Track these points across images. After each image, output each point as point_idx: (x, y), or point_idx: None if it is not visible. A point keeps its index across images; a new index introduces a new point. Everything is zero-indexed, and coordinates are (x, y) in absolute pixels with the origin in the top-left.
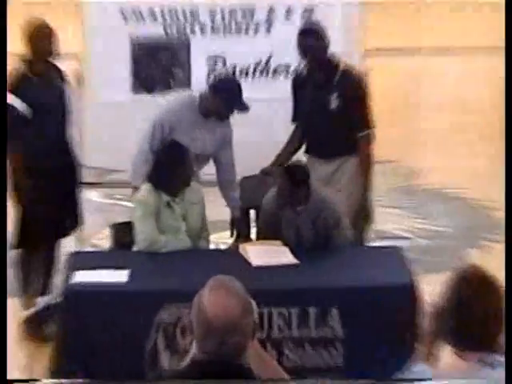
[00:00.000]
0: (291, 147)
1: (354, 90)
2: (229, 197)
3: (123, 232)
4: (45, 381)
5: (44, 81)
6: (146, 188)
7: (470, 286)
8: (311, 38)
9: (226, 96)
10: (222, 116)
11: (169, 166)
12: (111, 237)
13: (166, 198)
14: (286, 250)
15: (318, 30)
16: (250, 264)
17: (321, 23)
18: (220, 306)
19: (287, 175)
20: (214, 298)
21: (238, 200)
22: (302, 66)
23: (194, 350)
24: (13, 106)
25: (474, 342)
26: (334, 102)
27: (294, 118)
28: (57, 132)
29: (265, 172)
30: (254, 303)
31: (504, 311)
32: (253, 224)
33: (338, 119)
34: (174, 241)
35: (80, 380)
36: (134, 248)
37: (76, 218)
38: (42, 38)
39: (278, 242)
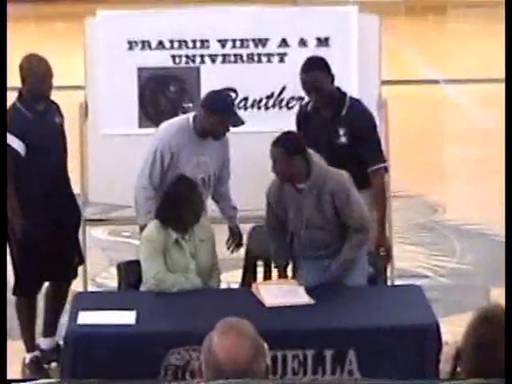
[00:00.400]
0: None
1: (362, 123)
2: (226, 207)
3: (131, 271)
4: (45, 381)
5: (40, 118)
6: (153, 225)
7: (491, 327)
8: (314, 74)
9: (219, 112)
10: (219, 134)
11: (177, 203)
12: (118, 276)
13: (174, 235)
14: (301, 289)
15: (320, 66)
16: (262, 304)
17: (323, 58)
18: (230, 349)
19: (280, 146)
20: (225, 341)
21: (235, 209)
22: (304, 102)
23: None
24: (8, 145)
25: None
26: (342, 137)
27: None
28: (56, 169)
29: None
30: (265, 346)
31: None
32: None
33: (347, 154)
34: (183, 280)
35: (80, 380)
36: (142, 288)
37: (78, 259)
38: (38, 76)
39: (292, 281)
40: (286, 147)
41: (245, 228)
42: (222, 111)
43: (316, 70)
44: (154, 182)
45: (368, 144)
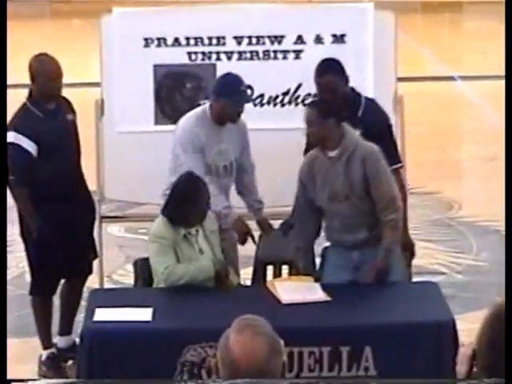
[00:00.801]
0: None
1: (378, 124)
2: (251, 201)
3: (147, 268)
4: (44, 381)
5: (52, 117)
6: (161, 222)
7: (506, 323)
8: (328, 78)
9: (225, 94)
10: (233, 117)
11: (184, 201)
12: (135, 273)
13: (182, 231)
14: (317, 286)
15: (334, 69)
16: (278, 301)
17: (337, 60)
18: (247, 347)
19: (314, 107)
20: (241, 338)
21: (261, 202)
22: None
23: None
24: (19, 145)
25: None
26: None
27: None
28: (69, 167)
29: (286, 224)
30: (282, 343)
31: None
32: None
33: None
34: (192, 268)
35: (80, 380)
36: (154, 284)
37: (93, 255)
38: (48, 76)
39: (309, 278)
40: (320, 109)
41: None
42: (227, 93)
43: (330, 74)
44: (202, 169)
45: (384, 144)
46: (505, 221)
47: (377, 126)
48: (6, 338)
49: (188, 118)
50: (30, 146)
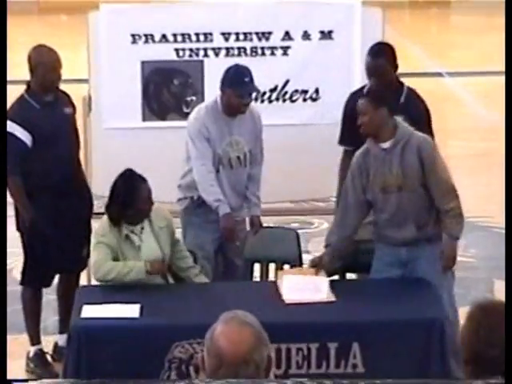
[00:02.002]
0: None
1: (421, 110)
2: (251, 194)
3: None
4: (45, 381)
5: (49, 109)
6: (105, 221)
7: (488, 314)
8: (380, 61)
9: (231, 85)
10: (241, 107)
11: (123, 199)
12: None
13: (125, 230)
14: (325, 283)
15: (387, 53)
16: (267, 297)
17: (391, 46)
18: (232, 337)
19: (367, 96)
20: (226, 329)
21: (258, 198)
22: (354, 90)
23: None
24: (13, 135)
25: (494, 368)
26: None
27: (346, 142)
28: (65, 160)
29: (314, 264)
30: (267, 336)
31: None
32: None
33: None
34: (121, 265)
35: (80, 380)
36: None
37: (87, 251)
38: (48, 67)
39: (321, 272)
40: (372, 98)
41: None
42: (232, 83)
43: (381, 57)
44: (209, 158)
45: (426, 130)
46: (505, 220)
47: (418, 113)
48: (5, 338)
49: (199, 109)
50: (24, 136)
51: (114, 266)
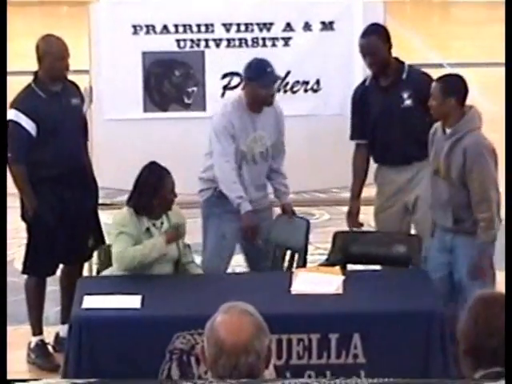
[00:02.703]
0: (361, 171)
1: (425, 83)
2: (278, 184)
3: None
4: (45, 381)
5: (56, 99)
6: (125, 212)
7: (487, 306)
8: (371, 39)
9: (257, 76)
10: (267, 99)
11: (148, 191)
12: (98, 260)
13: (146, 223)
14: (339, 278)
15: (378, 31)
16: (272, 288)
17: (383, 26)
18: (232, 326)
19: (438, 82)
20: (227, 318)
21: (286, 186)
22: (361, 81)
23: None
24: (18, 123)
25: (492, 359)
26: (406, 100)
27: (358, 135)
28: (71, 151)
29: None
30: (267, 327)
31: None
32: None
33: (415, 116)
34: (141, 247)
35: (80, 380)
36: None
37: (93, 242)
38: (56, 56)
39: (337, 270)
40: (443, 85)
41: None
42: (254, 76)
43: (373, 35)
44: (232, 154)
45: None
46: (505, 220)
47: (424, 85)
48: (5, 338)
49: (226, 105)
50: (28, 125)
51: (136, 251)
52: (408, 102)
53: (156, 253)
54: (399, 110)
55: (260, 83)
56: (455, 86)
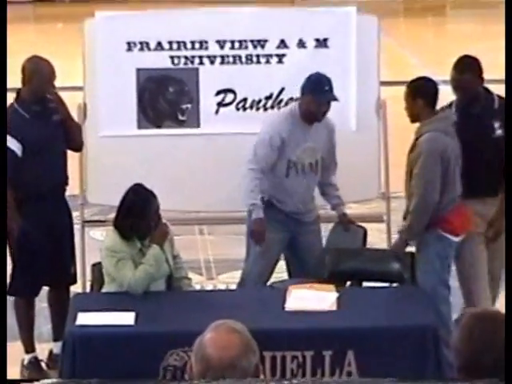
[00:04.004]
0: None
1: None
2: (331, 198)
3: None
4: (45, 381)
5: (38, 118)
6: (113, 235)
7: (482, 322)
8: (466, 77)
9: (314, 92)
10: (319, 115)
11: (134, 212)
12: (92, 277)
13: (137, 244)
14: (333, 295)
15: (473, 68)
16: (267, 305)
17: (477, 60)
18: (220, 342)
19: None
20: (215, 335)
21: (340, 198)
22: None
23: None
24: (7, 147)
25: (486, 375)
26: (498, 130)
27: None
28: (55, 169)
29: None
30: (256, 345)
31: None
32: None
33: (502, 149)
34: (147, 267)
35: (80, 380)
36: (104, 289)
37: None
38: (44, 78)
39: (331, 287)
40: (411, 88)
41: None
42: (311, 91)
43: (467, 73)
44: (261, 165)
45: None
46: (505, 221)
47: None
48: (5, 338)
49: (278, 115)
50: (14, 146)
51: (143, 272)
52: (499, 132)
53: (159, 262)
54: (490, 140)
55: (315, 99)
56: (423, 88)
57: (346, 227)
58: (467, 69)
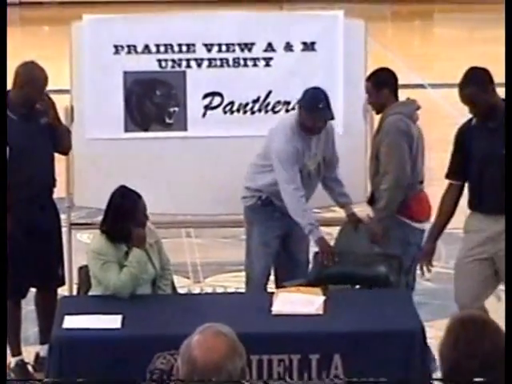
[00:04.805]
0: (448, 213)
1: None
2: (338, 196)
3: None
4: (45, 381)
5: (26, 121)
6: (101, 239)
7: (467, 328)
8: (469, 90)
9: (309, 108)
10: (314, 130)
11: (121, 216)
12: (79, 279)
13: (124, 247)
14: (320, 299)
15: (476, 81)
16: (254, 309)
17: (481, 71)
18: (206, 345)
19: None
20: (201, 337)
21: (347, 196)
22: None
23: None
24: None
25: (472, 381)
26: (505, 146)
27: (454, 176)
28: (43, 172)
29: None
30: (243, 349)
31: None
32: None
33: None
34: (132, 270)
35: (80, 380)
36: (91, 292)
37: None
38: (37, 85)
39: (317, 290)
40: (375, 79)
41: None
42: (307, 107)
43: (470, 87)
44: (298, 181)
45: None
46: (505, 222)
47: None
48: (5, 338)
49: (285, 129)
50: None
51: (127, 274)
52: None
53: (143, 263)
54: (499, 155)
55: (309, 116)
56: (387, 78)
57: (355, 226)
58: (469, 82)
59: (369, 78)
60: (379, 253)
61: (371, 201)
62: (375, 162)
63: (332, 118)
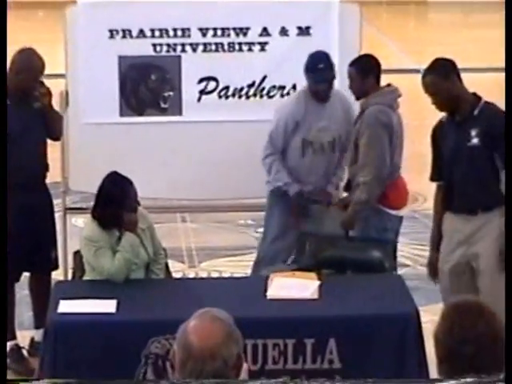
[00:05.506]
0: (441, 217)
1: (496, 122)
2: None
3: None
4: (45, 381)
5: (19, 105)
6: (92, 224)
7: (462, 314)
8: (429, 78)
9: (310, 71)
10: (320, 94)
11: (112, 201)
12: (74, 264)
13: (116, 233)
14: (315, 284)
15: (437, 70)
16: (249, 293)
17: (445, 62)
18: (202, 330)
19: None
20: (198, 323)
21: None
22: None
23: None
24: None
25: (467, 366)
26: (474, 138)
27: (435, 176)
28: (36, 156)
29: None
30: (240, 335)
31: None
32: None
33: (480, 156)
34: (124, 254)
35: (80, 380)
36: (86, 275)
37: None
38: (34, 74)
39: (312, 275)
40: (360, 66)
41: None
42: (308, 70)
43: (430, 74)
44: (277, 148)
45: (502, 146)
46: (505, 220)
47: (494, 124)
48: (5, 338)
49: (290, 99)
50: None
51: (121, 259)
52: (475, 141)
53: (134, 251)
54: (465, 149)
55: (311, 78)
56: (372, 65)
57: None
58: (430, 70)
59: (352, 64)
60: (373, 238)
61: (347, 187)
62: (354, 150)
63: (333, 78)
